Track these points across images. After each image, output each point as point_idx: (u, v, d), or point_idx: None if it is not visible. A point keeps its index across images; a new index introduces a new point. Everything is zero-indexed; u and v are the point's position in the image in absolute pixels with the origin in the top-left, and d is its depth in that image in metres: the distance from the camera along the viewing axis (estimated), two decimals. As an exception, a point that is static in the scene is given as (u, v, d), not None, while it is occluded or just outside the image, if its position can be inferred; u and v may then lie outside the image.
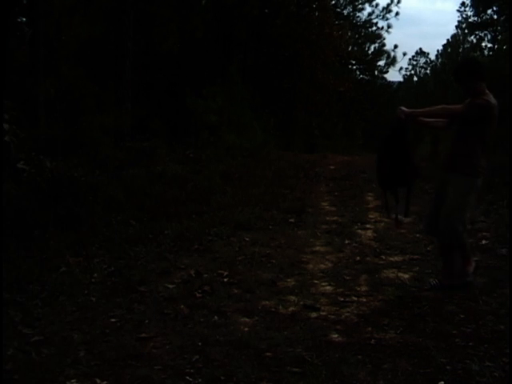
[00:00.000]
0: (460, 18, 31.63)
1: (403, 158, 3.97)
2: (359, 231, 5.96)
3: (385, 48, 27.60)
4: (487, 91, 3.92)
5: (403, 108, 3.98)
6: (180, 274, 4.41)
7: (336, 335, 3.25)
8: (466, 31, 31.60)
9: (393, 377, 2.74)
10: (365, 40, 27.48)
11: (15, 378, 2.75)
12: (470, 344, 3.08)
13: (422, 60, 40.39)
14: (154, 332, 3.29)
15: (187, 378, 2.75)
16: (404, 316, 3.53)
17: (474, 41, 29.65)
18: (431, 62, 39.99)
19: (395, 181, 4.04)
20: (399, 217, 4.18)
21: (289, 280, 4.31)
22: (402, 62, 65.25)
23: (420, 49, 40.33)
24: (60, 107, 10.67)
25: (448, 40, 36.60)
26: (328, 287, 4.15)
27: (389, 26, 26.66)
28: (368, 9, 33.56)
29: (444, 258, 4.13)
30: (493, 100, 3.88)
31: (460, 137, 3.95)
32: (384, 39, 27.21)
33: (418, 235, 5.74)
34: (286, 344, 3.10)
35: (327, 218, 6.65)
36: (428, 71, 40.19)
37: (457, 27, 34.77)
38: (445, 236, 3.95)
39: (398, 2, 25.33)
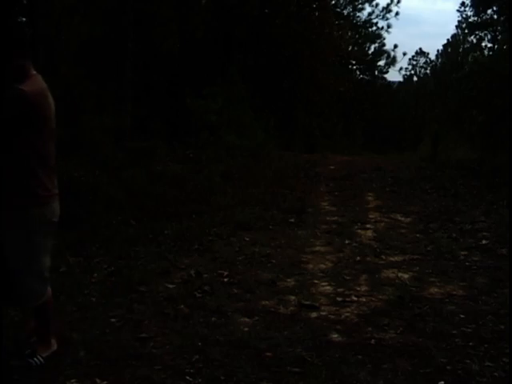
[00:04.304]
0: (460, 18, 31.67)
1: None
2: (359, 231, 5.96)
3: (385, 48, 27.72)
4: (34, 72, 2.70)
5: None
6: (180, 274, 4.40)
7: (336, 335, 3.25)
8: (466, 31, 31.59)
9: (393, 377, 2.74)
10: (365, 40, 27.55)
11: (15, 378, 2.75)
12: (470, 344, 3.09)
13: (422, 60, 40.41)
14: (154, 332, 3.29)
15: (187, 377, 2.75)
16: (404, 316, 3.53)
17: (474, 41, 29.66)
18: (431, 61, 40.03)
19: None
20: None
21: (289, 280, 4.31)
22: (402, 62, 65.24)
23: (420, 49, 40.33)
24: (60, 107, 10.65)
25: (448, 40, 36.68)
26: (328, 287, 4.15)
27: (389, 26, 26.79)
28: (368, 9, 33.59)
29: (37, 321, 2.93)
30: (38, 85, 2.64)
31: (3, 150, 2.61)
32: (384, 39, 27.35)
33: (418, 235, 5.75)
34: (286, 344, 3.10)
35: (327, 218, 6.65)
36: (428, 71, 40.22)
37: (457, 27, 34.80)
38: (23, 300, 2.77)
39: (398, 1, 25.47)
